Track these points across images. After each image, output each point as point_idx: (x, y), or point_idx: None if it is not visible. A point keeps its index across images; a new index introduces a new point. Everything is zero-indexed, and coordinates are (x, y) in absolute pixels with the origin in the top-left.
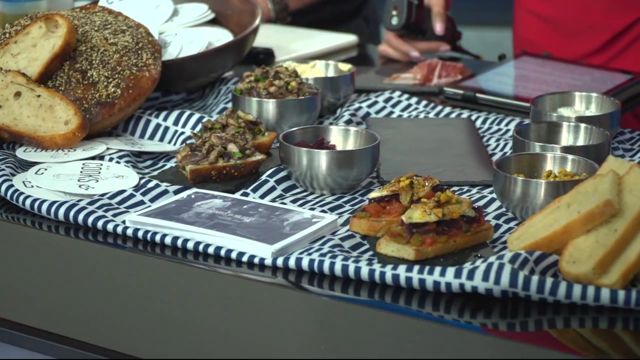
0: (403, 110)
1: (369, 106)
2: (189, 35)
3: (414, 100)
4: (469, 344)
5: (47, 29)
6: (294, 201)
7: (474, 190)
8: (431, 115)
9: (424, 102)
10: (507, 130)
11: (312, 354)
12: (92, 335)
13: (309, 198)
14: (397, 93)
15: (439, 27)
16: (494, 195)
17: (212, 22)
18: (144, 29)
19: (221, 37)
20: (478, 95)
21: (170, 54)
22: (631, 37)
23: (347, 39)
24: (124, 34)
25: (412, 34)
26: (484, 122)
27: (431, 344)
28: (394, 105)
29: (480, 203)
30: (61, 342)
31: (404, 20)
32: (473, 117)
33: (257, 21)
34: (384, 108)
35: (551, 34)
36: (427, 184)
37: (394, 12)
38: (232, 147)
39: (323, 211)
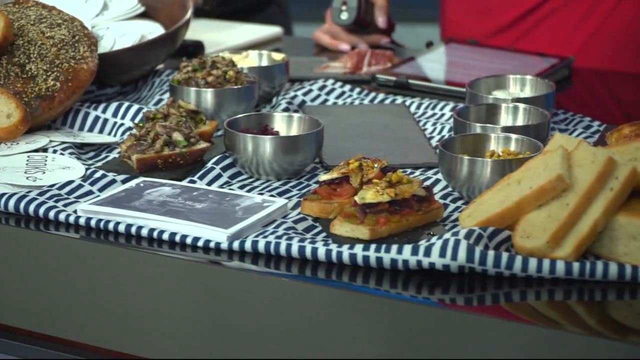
0: (337, 97)
1: (304, 94)
2: (121, 29)
3: (347, 87)
4: (428, 319)
5: None
6: (241, 187)
7: (417, 172)
8: (366, 101)
9: (357, 89)
10: (442, 115)
11: (274, 335)
12: (49, 327)
13: (256, 184)
14: (331, 81)
15: (381, 21)
16: (437, 176)
17: (142, 16)
18: (79, 22)
19: (153, 29)
20: (410, 81)
21: (104, 47)
22: (539, 15)
23: (272, 30)
24: (59, 27)
25: (358, 28)
26: (418, 107)
27: (390, 320)
28: (328, 93)
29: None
30: (17, 339)
31: (353, 17)
32: (407, 103)
33: (189, 13)
34: (318, 96)
35: (471, 14)
36: (375, 165)
37: (343, 8)
38: (177, 136)
39: (272, 196)
